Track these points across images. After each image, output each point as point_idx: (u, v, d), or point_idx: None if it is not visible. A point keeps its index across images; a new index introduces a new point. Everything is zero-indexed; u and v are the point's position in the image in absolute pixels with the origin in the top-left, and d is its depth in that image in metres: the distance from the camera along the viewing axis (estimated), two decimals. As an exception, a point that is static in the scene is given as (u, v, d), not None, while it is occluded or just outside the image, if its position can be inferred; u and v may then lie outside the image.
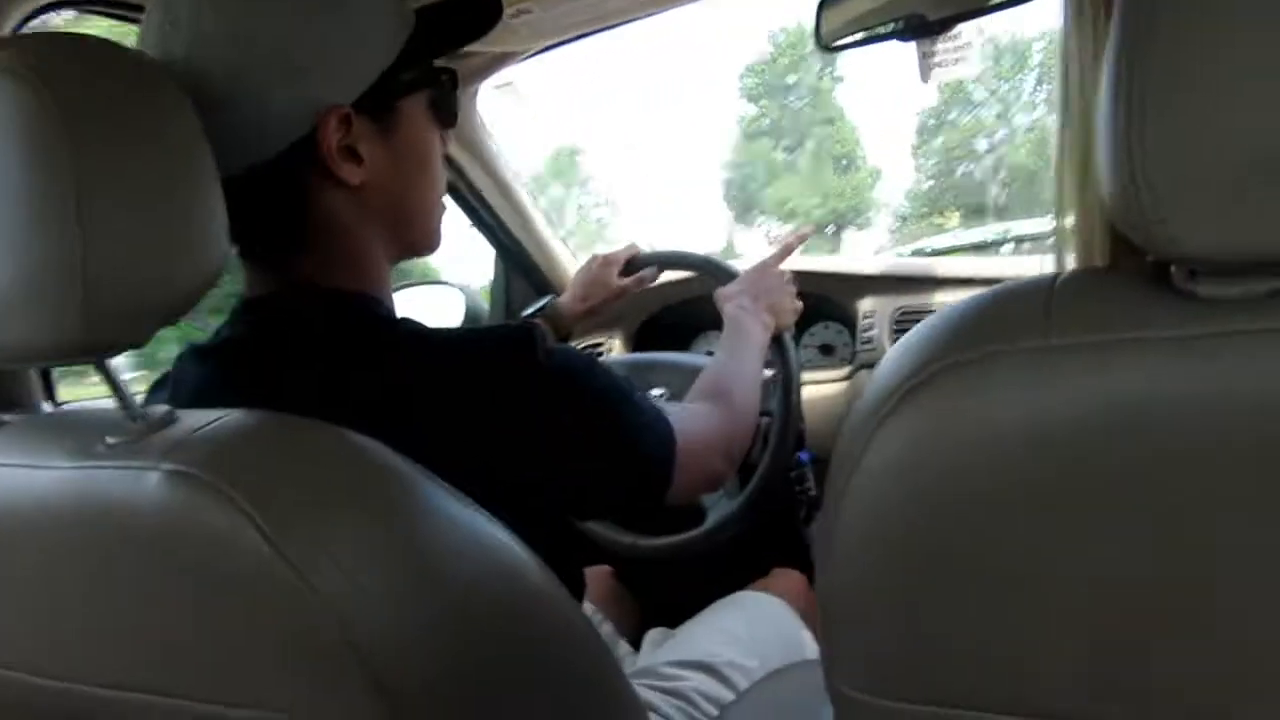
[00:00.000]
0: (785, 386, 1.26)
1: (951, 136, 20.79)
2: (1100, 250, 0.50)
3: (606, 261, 1.37)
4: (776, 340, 1.21)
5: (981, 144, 20.28)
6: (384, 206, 0.75)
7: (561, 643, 0.61)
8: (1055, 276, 0.42)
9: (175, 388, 0.77)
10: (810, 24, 1.31)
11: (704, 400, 0.95)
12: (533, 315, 1.38)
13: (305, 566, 0.47)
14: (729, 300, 1.18)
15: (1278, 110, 0.32)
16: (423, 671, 0.50)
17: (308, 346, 0.70)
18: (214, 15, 0.67)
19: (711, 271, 1.33)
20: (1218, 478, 0.35)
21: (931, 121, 21.12)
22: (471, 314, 1.92)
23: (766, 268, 1.24)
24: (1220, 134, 0.33)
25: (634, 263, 1.37)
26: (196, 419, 0.55)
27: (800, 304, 1.25)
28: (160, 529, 0.50)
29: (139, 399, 0.59)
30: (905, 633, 0.43)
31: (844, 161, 21.35)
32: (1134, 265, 0.44)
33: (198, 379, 0.75)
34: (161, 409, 0.56)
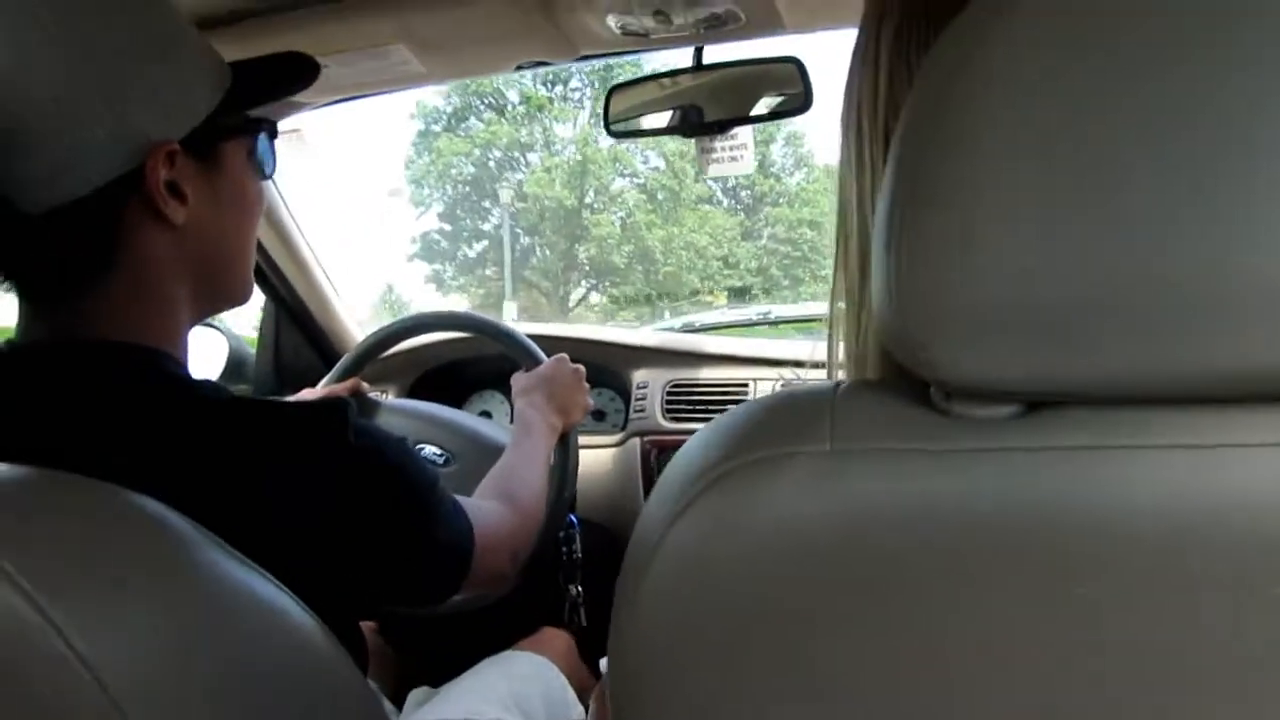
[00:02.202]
0: (560, 476, 1.29)
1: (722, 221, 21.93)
2: (871, 360, 0.57)
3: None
4: (563, 439, 1.26)
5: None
6: (201, 250, 0.73)
7: (340, 708, 0.61)
8: (836, 386, 0.46)
9: None
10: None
11: (494, 499, 0.97)
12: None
13: (76, 638, 0.44)
14: (522, 395, 1.22)
15: (1016, 260, 0.37)
16: None
17: (90, 403, 0.66)
18: (41, 43, 0.63)
19: (514, 349, 1.37)
20: (965, 580, 0.40)
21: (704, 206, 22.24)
22: (235, 358, 1.83)
23: (562, 364, 1.28)
24: (970, 277, 0.38)
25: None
26: None
27: (591, 402, 1.31)
28: None
29: None
30: None
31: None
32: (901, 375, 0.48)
33: None
34: None
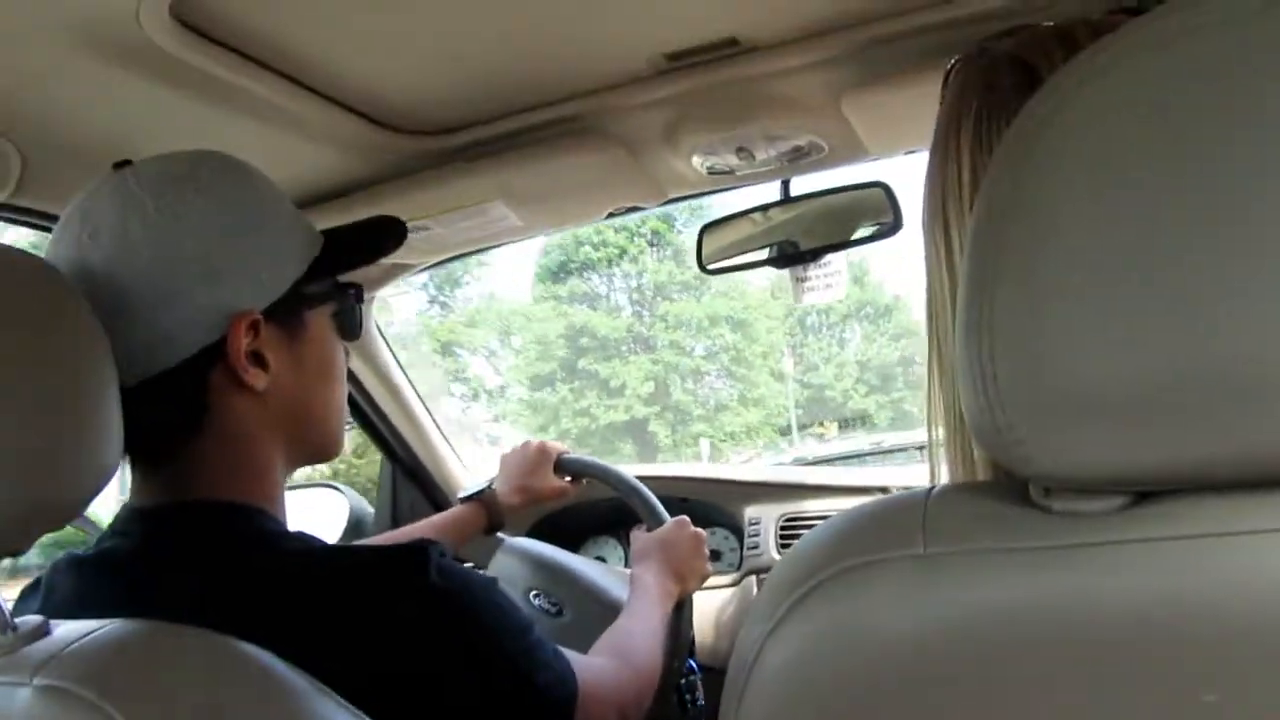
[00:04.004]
0: (673, 642, 1.24)
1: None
2: (971, 463, 0.55)
3: (544, 451, 1.36)
4: (678, 606, 1.23)
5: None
6: (286, 413, 0.76)
7: None
8: (930, 490, 0.45)
9: (48, 596, 0.73)
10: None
11: (607, 656, 0.95)
12: (470, 498, 1.35)
13: None
14: (640, 561, 1.21)
15: (1107, 350, 0.36)
16: None
17: (194, 559, 0.69)
18: (141, 228, 0.69)
19: (638, 505, 1.34)
20: (1076, 682, 0.37)
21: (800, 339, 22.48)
22: (355, 518, 1.87)
23: (682, 528, 1.26)
24: (1060, 368, 0.37)
25: (562, 464, 1.37)
26: (72, 630, 0.53)
27: (710, 569, 1.28)
28: None
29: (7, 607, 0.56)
30: None
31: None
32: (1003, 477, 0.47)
33: (74, 589, 0.71)
34: (35, 620, 0.54)
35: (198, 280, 0.69)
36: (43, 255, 0.67)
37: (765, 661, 0.43)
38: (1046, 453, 0.38)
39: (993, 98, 0.54)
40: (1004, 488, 0.43)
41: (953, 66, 0.60)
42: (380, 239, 0.86)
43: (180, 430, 0.72)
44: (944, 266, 0.55)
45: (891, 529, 0.42)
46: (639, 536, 1.27)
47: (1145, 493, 0.39)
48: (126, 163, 0.74)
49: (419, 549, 0.71)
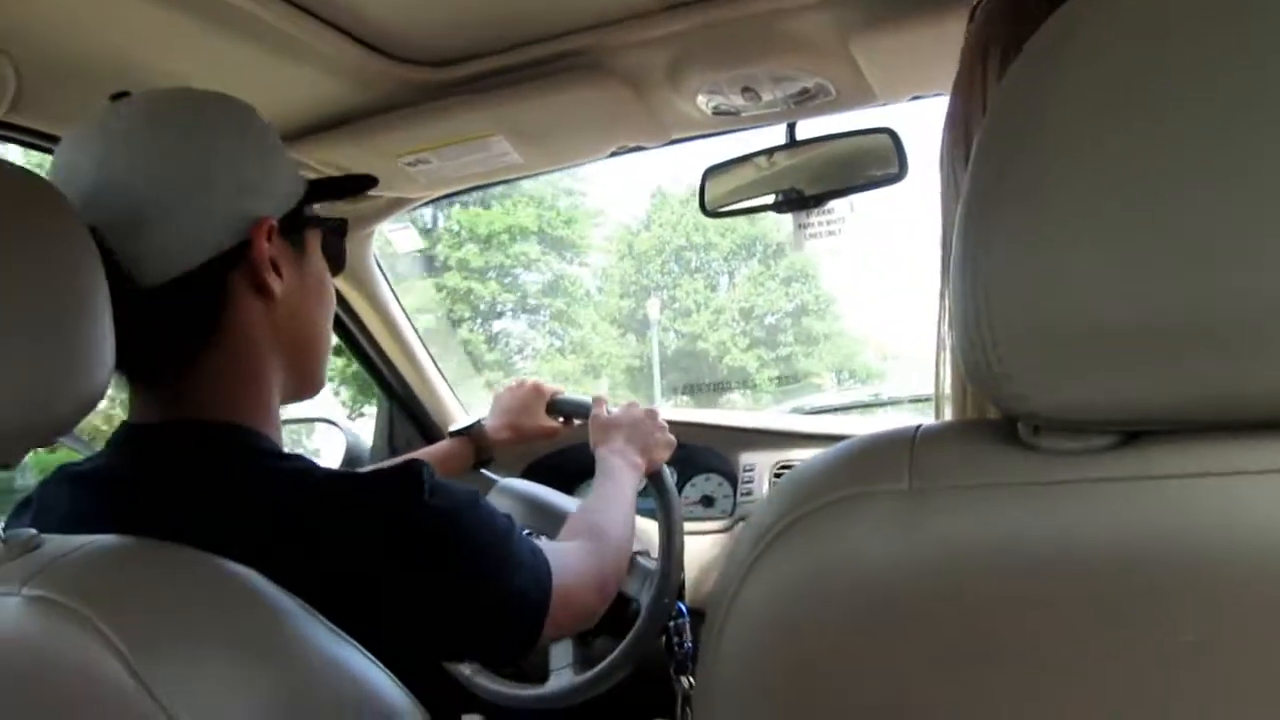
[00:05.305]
0: (667, 529, 1.27)
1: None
2: (968, 405, 0.54)
3: (538, 390, 1.39)
4: (655, 478, 1.25)
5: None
6: (290, 328, 0.79)
7: None
8: (917, 428, 0.45)
9: (42, 513, 0.74)
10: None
11: (576, 538, 0.97)
12: (459, 433, 1.37)
13: (168, 699, 0.46)
14: (601, 442, 1.23)
15: (1106, 284, 0.35)
16: None
17: (192, 478, 0.70)
18: (167, 138, 0.71)
19: (562, 406, 1.38)
20: (1058, 620, 0.37)
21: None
22: (352, 453, 1.89)
23: (633, 407, 1.29)
24: (1056, 303, 0.36)
25: (556, 404, 1.39)
26: (63, 544, 0.54)
27: (673, 439, 1.29)
28: (18, 656, 0.48)
29: None
30: None
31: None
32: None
33: (70, 504, 0.72)
34: (27, 533, 0.55)
35: (225, 185, 0.72)
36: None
37: (744, 596, 0.43)
38: (1036, 390, 0.38)
39: (1021, 30, 0.53)
40: (993, 426, 0.43)
41: None
42: (357, 185, 0.91)
43: (193, 337, 0.74)
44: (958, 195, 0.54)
45: (877, 464, 0.42)
46: (594, 427, 1.27)
47: (1134, 433, 0.39)
48: (125, 94, 0.76)
49: (412, 469, 0.74)
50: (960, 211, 0.39)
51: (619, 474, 1.15)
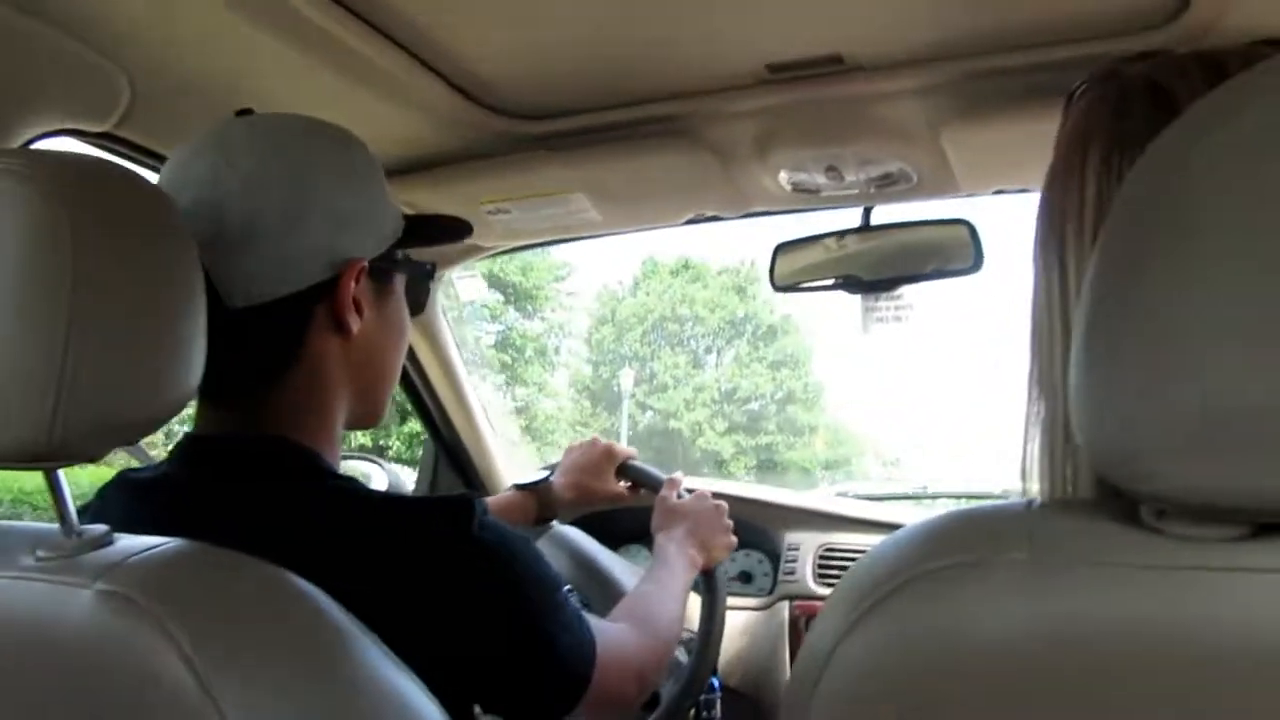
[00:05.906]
0: (707, 630, 1.24)
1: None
2: (1067, 484, 0.53)
3: (611, 454, 1.36)
4: (708, 576, 1.22)
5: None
6: (362, 364, 0.80)
7: None
8: (1029, 502, 0.44)
9: (99, 518, 0.74)
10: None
11: (625, 621, 0.95)
12: (525, 486, 1.35)
13: (225, 704, 0.46)
14: (663, 528, 1.20)
15: (1243, 369, 0.35)
16: None
17: (250, 489, 0.71)
18: (279, 165, 0.74)
19: (636, 476, 1.35)
20: (1180, 708, 0.36)
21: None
22: (393, 490, 1.89)
23: (702, 499, 1.26)
24: (1188, 390, 0.36)
25: (628, 469, 1.37)
26: (135, 543, 0.54)
27: (734, 540, 1.26)
28: (86, 649, 0.48)
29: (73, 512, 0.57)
30: None
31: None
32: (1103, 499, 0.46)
33: (129, 510, 0.73)
34: (100, 528, 0.55)
35: (325, 220, 0.74)
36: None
37: (843, 654, 0.42)
38: (1167, 475, 0.37)
39: (1124, 125, 0.53)
40: (1109, 505, 0.42)
41: (1078, 87, 0.59)
42: (458, 227, 0.91)
43: (269, 363, 0.75)
44: (1057, 290, 0.54)
45: (994, 534, 0.41)
46: (658, 511, 1.25)
47: (1266, 525, 0.37)
48: (248, 111, 0.79)
49: (465, 501, 0.74)
50: (1088, 298, 0.39)
51: (676, 567, 1.13)
